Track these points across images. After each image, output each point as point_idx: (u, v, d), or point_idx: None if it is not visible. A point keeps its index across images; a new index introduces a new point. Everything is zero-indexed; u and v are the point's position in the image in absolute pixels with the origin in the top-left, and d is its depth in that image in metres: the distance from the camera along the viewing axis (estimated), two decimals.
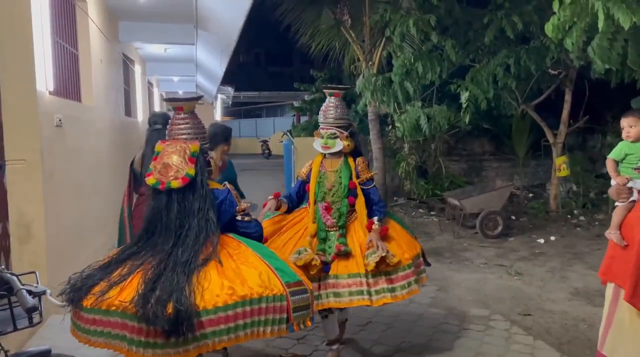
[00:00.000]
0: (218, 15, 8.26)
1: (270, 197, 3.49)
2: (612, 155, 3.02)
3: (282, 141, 11.08)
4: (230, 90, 27.86)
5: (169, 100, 2.74)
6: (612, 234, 2.92)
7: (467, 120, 7.40)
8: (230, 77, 22.29)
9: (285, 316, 2.39)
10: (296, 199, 3.63)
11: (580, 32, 4.47)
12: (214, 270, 2.37)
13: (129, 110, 9.48)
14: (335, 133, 3.47)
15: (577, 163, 9.24)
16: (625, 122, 3.00)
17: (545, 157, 9.86)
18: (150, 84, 13.76)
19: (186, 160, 2.53)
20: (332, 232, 3.38)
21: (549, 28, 4.48)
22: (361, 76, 8.89)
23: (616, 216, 2.95)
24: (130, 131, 9.30)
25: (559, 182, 8.85)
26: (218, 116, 32.66)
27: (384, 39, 8.48)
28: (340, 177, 3.44)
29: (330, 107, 3.56)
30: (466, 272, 5.79)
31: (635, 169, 2.94)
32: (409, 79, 7.44)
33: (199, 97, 2.93)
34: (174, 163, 2.51)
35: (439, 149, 10.22)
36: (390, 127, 10.46)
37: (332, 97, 3.58)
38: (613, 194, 2.99)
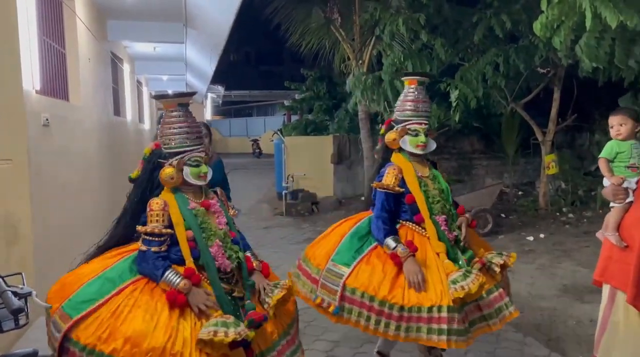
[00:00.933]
0: (207, 13, 8.23)
1: (405, 252, 2.66)
2: (604, 154, 2.97)
3: (272, 140, 11.06)
4: (220, 89, 27.77)
5: (156, 97, 2.53)
6: (610, 235, 2.87)
7: (456, 118, 7.43)
8: (221, 76, 22.19)
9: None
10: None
11: (568, 30, 4.50)
12: (80, 269, 2.39)
13: (117, 109, 9.42)
14: (427, 129, 2.91)
15: (565, 161, 9.31)
16: (615, 120, 2.96)
17: (534, 156, 9.93)
18: (139, 83, 13.67)
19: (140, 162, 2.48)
20: (454, 248, 2.83)
21: (537, 27, 4.51)
22: (351, 75, 8.91)
23: (613, 218, 2.90)
24: (119, 131, 9.23)
25: (548, 180, 8.91)
26: (208, 115, 32.55)
27: (373, 38, 8.50)
28: (439, 182, 2.92)
29: (417, 95, 2.92)
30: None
31: (627, 167, 2.91)
32: (399, 77, 7.45)
33: (191, 94, 2.52)
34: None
35: None
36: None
37: (419, 86, 2.95)
38: (609, 195, 2.93)
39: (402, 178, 2.84)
